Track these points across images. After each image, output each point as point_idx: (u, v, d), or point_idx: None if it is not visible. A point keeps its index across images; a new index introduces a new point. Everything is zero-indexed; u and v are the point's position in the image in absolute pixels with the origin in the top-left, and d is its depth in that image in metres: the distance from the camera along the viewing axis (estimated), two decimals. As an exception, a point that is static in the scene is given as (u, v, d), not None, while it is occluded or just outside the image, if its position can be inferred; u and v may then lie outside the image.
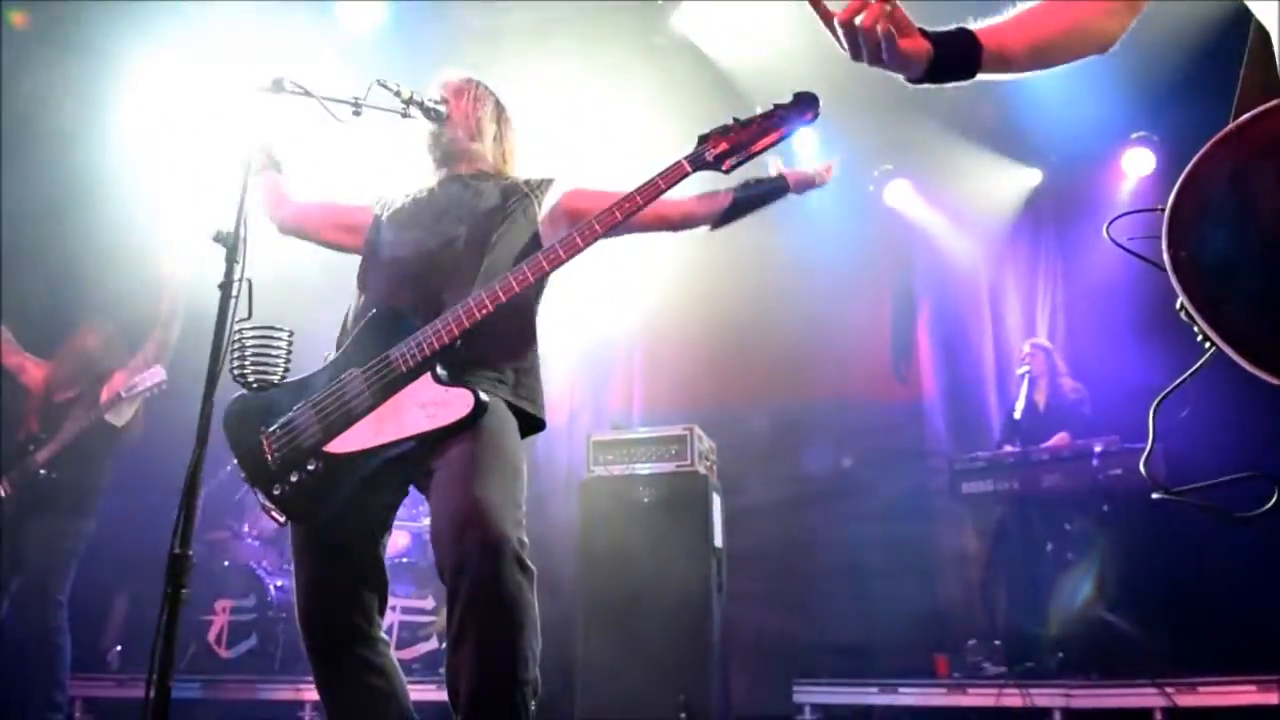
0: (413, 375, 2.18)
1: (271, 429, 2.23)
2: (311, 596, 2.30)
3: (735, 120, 2.22)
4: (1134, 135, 5.95)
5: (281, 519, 2.22)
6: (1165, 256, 1.19)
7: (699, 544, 4.56)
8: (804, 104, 2.20)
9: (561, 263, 2.21)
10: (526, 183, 2.53)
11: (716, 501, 4.80)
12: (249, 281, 1.97)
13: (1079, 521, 4.96)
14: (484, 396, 2.17)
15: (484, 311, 2.16)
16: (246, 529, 5.72)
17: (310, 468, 2.18)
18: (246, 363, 2.10)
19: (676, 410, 5.95)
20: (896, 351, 6.40)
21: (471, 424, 2.14)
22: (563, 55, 5.71)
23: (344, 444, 2.17)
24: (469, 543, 2.01)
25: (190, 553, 1.82)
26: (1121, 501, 4.85)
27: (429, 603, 5.20)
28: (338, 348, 2.36)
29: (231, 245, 1.95)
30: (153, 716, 1.73)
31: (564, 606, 5.56)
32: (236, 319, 1.97)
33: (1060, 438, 5.14)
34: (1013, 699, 4.40)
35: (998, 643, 5.03)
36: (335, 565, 2.29)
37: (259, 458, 2.24)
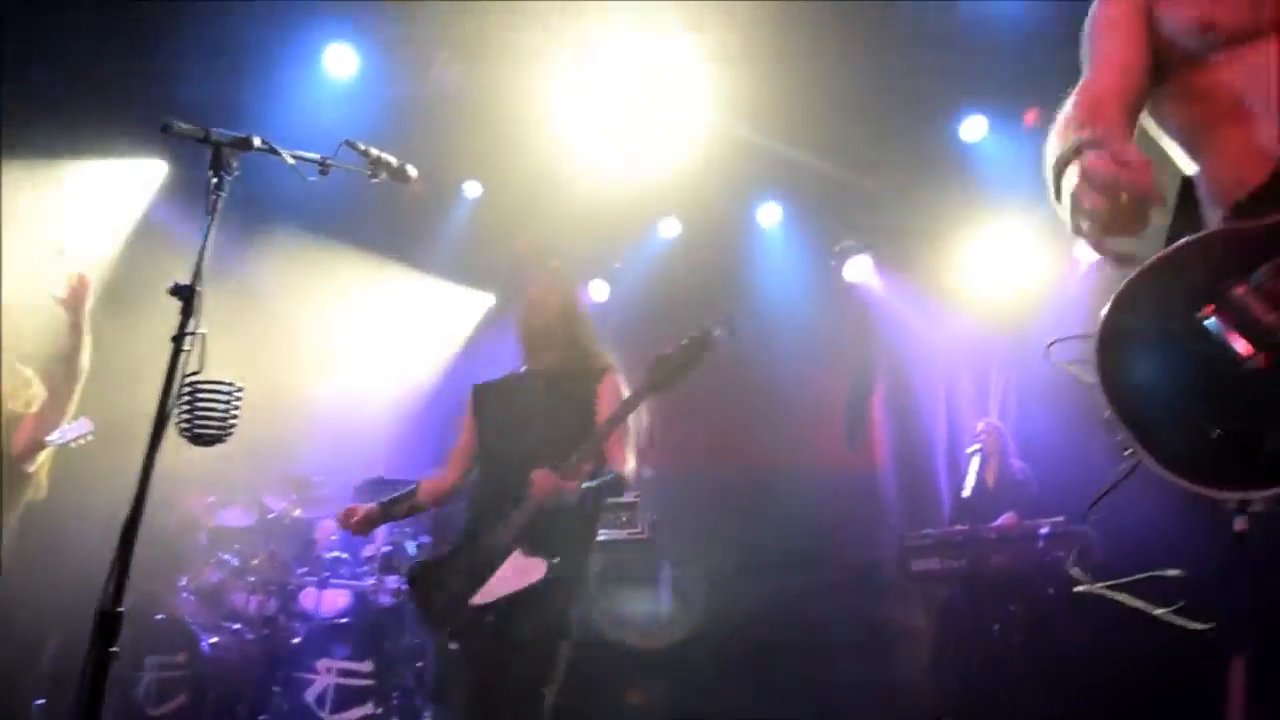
0: None
1: None
2: None
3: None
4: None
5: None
6: (1096, 377, 1.38)
7: (648, 613, 4.51)
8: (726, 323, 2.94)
9: None
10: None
11: (665, 569, 4.77)
12: (203, 335, 1.95)
13: (1025, 603, 4.98)
14: None
15: None
16: (183, 582, 5.55)
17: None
18: (197, 417, 2.06)
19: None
20: (851, 424, 6.45)
21: None
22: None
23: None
24: None
25: (122, 610, 1.76)
26: (1067, 583, 4.87)
27: (366, 665, 5.06)
28: None
29: (188, 298, 1.92)
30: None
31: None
32: (187, 372, 1.94)
33: (1008, 517, 5.19)
34: (959, 781, 4.36)
35: (946, 722, 5.00)
36: None
37: None
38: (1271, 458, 1.22)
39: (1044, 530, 4.88)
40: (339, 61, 5.71)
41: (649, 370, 2.90)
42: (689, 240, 6.87)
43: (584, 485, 2.94)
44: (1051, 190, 1.52)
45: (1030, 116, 5.83)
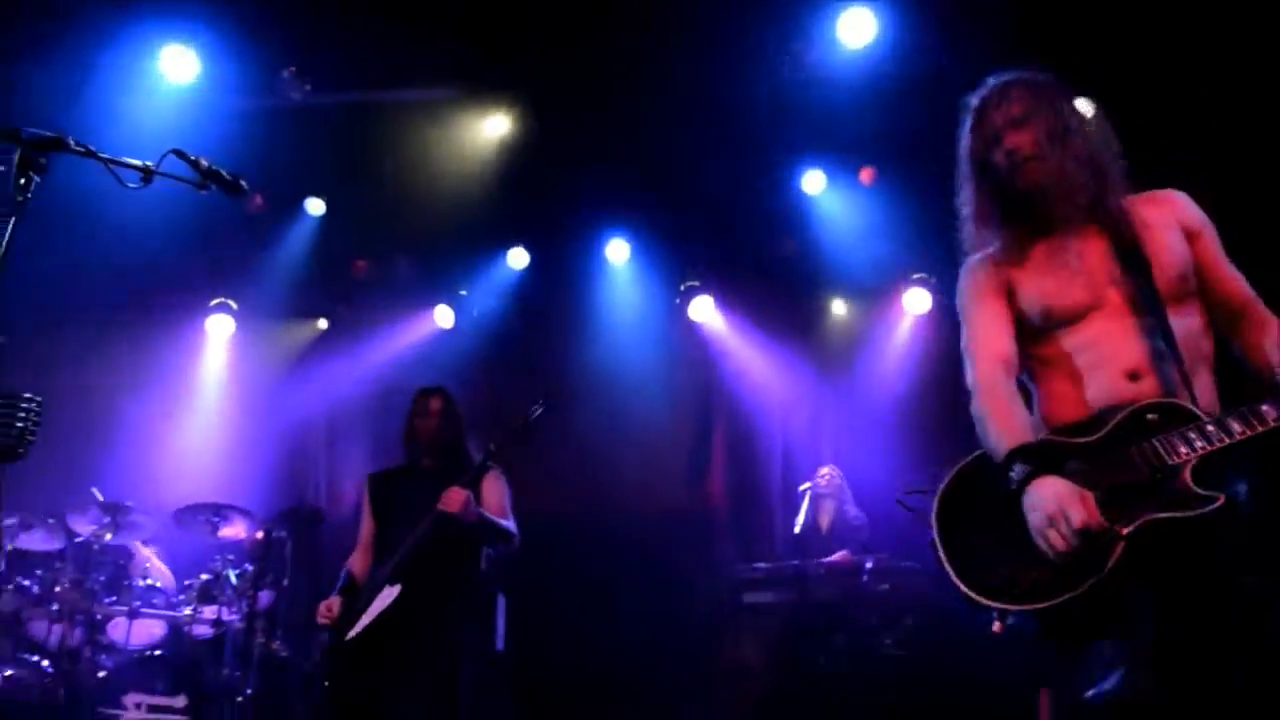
0: None
1: None
2: None
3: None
4: (914, 276, 6.48)
5: None
6: (933, 525, 2.09)
7: (482, 647, 4.46)
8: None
9: None
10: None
11: (501, 603, 4.73)
12: (1, 343, 1.83)
13: (850, 634, 5.18)
14: None
15: None
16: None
17: None
18: (-14, 431, 1.92)
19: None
20: (692, 461, 6.59)
21: None
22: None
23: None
24: None
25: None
26: (889, 614, 5.12)
27: (180, 701, 4.78)
28: None
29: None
30: None
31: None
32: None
33: (841, 555, 5.40)
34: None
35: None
36: None
37: None
38: (1020, 592, 1.91)
39: (869, 565, 5.10)
40: (176, 64, 5.44)
41: (488, 450, 3.72)
42: (537, 271, 6.88)
43: (483, 513, 3.62)
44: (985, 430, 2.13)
45: (865, 175, 6.16)
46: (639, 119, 5.72)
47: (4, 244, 1.87)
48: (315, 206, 6.57)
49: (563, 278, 6.86)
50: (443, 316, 6.92)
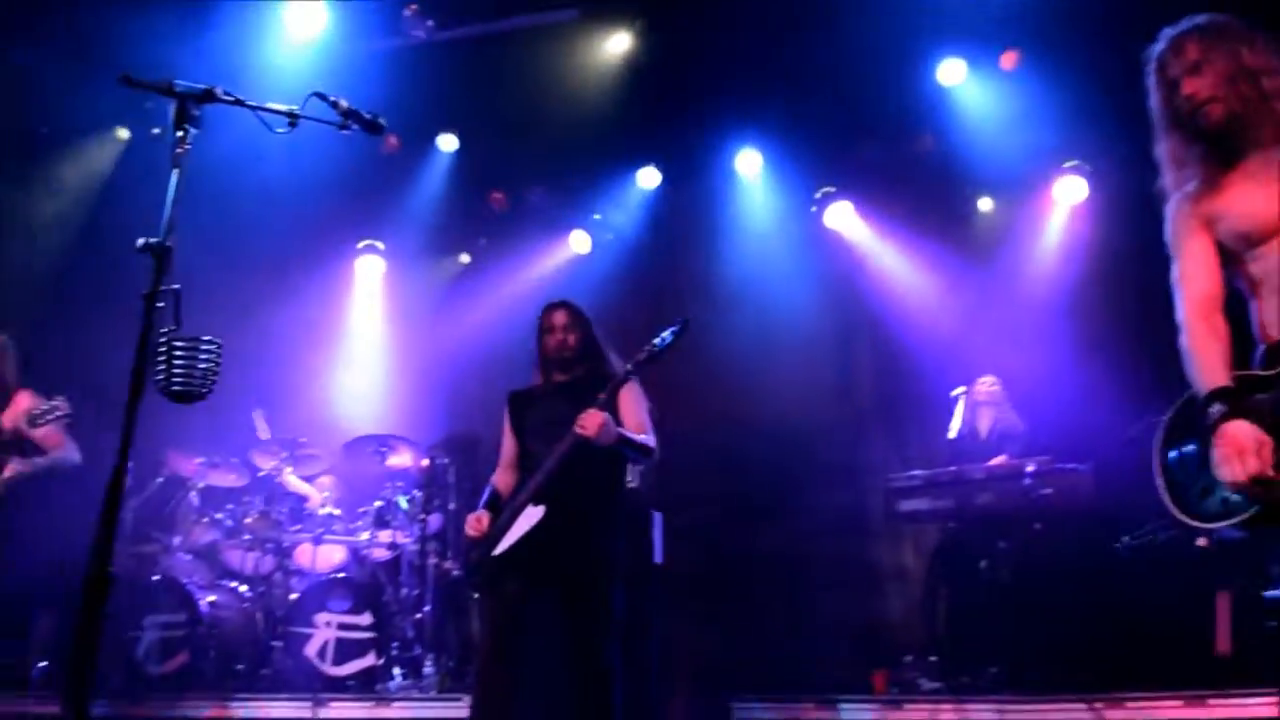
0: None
1: None
2: None
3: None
4: (1065, 164, 6.11)
5: None
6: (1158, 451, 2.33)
7: (638, 561, 4.56)
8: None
9: None
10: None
11: (657, 519, 4.81)
12: (176, 292, 1.94)
13: (1012, 540, 5.05)
14: None
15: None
16: (177, 542, 5.58)
17: None
18: (174, 373, 2.05)
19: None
20: (836, 370, 6.47)
21: None
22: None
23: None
24: None
25: (110, 571, 1.77)
26: (1052, 520, 4.96)
27: (365, 618, 5.12)
28: None
29: (159, 255, 1.91)
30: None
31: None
32: (163, 329, 1.94)
33: (1001, 460, 5.25)
34: (947, 714, 4.47)
35: (934, 659, 5.10)
36: None
37: None
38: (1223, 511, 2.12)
39: (1030, 469, 4.94)
40: (303, 18, 5.58)
41: (625, 370, 3.59)
42: (668, 190, 6.83)
43: (621, 432, 3.52)
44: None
45: (1007, 59, 5.79)
46: (763, 21, 5.52)
47: (170, 199, 1.97)
48: (448, 143, 6.70)
49: (695, 194, 6.78)
50: (579, 242, 6.99)
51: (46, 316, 5.82)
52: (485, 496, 3.82)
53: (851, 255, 6.59)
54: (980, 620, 4.98)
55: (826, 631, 5.85)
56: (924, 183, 6.46)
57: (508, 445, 3.92)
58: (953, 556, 5.32)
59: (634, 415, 3.73)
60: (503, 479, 3.86)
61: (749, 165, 6.63)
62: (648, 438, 3.73)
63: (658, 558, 4.74)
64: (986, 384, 5.63)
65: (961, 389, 5.61)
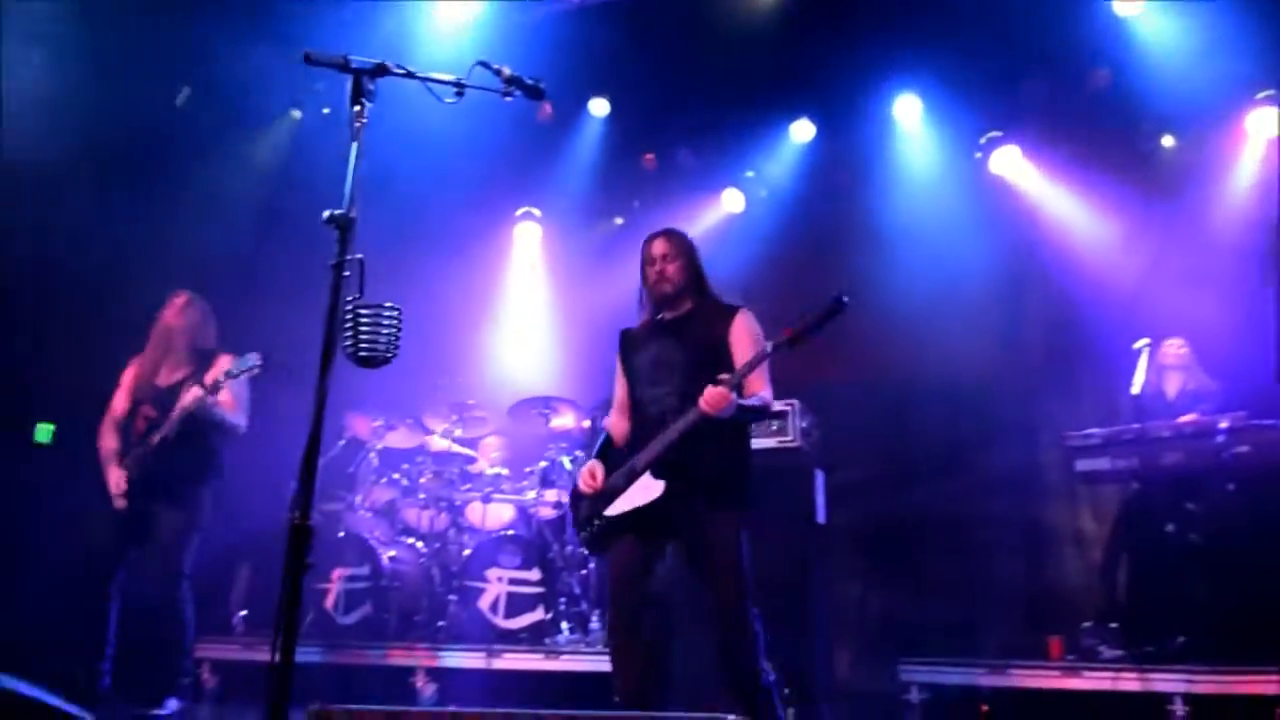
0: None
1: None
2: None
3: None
4: (1259, 95, 5.59)
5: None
6: None
7: (800, 520, 4.53)
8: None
9: None
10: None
11: (819, 477, 4.75)
12: (360, 261, 2.03)
13: (1203, 501, 4.74)
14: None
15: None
16: (359, 500, 5.92)
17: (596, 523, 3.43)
18: (361, 339, 2.15)
19: (775, 386, 5.90)
20: (1005, 323, 6.18)
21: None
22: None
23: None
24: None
25: (311, 524, 1.89)
26: (1247, 481, 4.61)
27: (534, 574, 5.30)
28: None
29: (343, 226, 2.01)
30: (279, 679, 1.81)
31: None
32: (348, 297, 2.04)
33: (1191, 417, 4.91)
34: (1130, 683, 4.26)
35: (1115, 625, 4.86)
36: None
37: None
38: None
39: (1224, 426, 4.60)
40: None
41: (775, 343, 3.27)
42: (823, 142, 6.66)
43: (742, 404, 3.25)
44: None
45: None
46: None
47: (351, 172, 2.05)
48: (599, 107, 6.75)
49: (852, 145, 6.59)
50: (732, 200, 6.92)
51: (236, 290, 6.24)
52: (599, 443, 3.64)
53: (1020, 202, 6.26)
54: (1166, 586, 4.70)
55: (998, 595, 5.66)
56: (1099, 121, 6.05)
57: (619, 388, 3.69)
58: (1137, 519, 5.03)
59: (747, 357, 3.38)
60: (617, 424, 3.65)
61: (908, 112, 6.38)
62: (764, 394, 3.42)
63: (820, 517, 4.69)
64: (1174, 347, 5.27)
65: (1145, 341, 5.25)
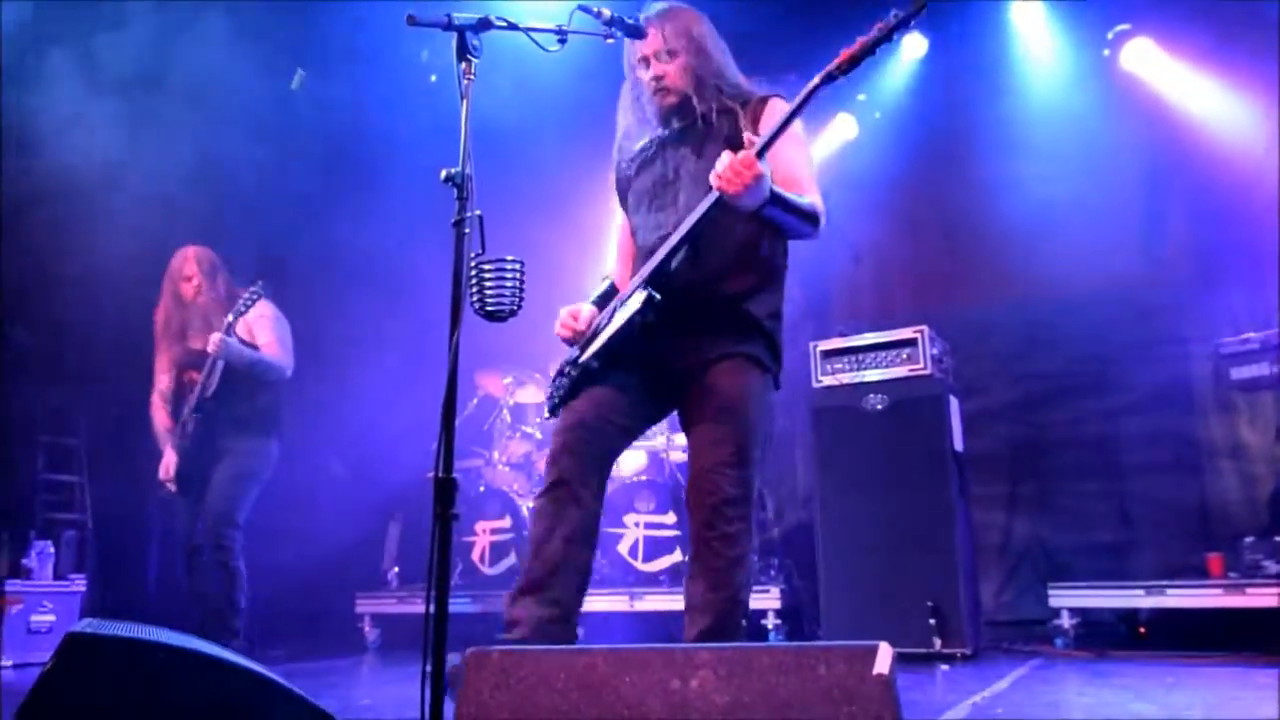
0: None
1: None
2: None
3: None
4: None
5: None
6: None
7: (937, 449, 4.43)
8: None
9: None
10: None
11: (954, 404, 4.63)
12: (479, 217, 2.06)
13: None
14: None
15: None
16: (496, 456, 6.10)
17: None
18: (486, 294, 2.19)
19: (905, 312, 5.76)
20: (1146, 228, 5.84)
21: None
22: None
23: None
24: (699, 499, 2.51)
25: (455, 477, 1.95)
26: None
27: (670, 518, 5.37)
28: None
29: (460, 184, 2.04)
30: (434, 627, 1.89)
31: (802, 518, 5.59)
32: (472, 254, 2.08)
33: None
34: (1301, 598, 4.04)
35: (1280, 539, 4.60)
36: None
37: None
38: None
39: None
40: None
41: (845, 57, 2.46)
42: (937, 56, 6.38)
43: (775, 189, 2.37)
44: None
45: None
46: None
47: (464, 130, 2.08)
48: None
49: (968, 56, 6.28)
50: (844, 126, 6.72)
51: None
52: (598, 292, 2.92)
53: (1157, 98, 5.85)
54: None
55: (1149, 515, 5.42)
56: (1246, 5, 5.58)
57: (621, 230, 2.97)
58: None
59: (786, 161, 2.51)
60: (621, 272, 2.92)
61: (1025, 12, 6.04)
62: (810, 200, 2.50)
63: (958, 445, 4.58)
64: None
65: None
